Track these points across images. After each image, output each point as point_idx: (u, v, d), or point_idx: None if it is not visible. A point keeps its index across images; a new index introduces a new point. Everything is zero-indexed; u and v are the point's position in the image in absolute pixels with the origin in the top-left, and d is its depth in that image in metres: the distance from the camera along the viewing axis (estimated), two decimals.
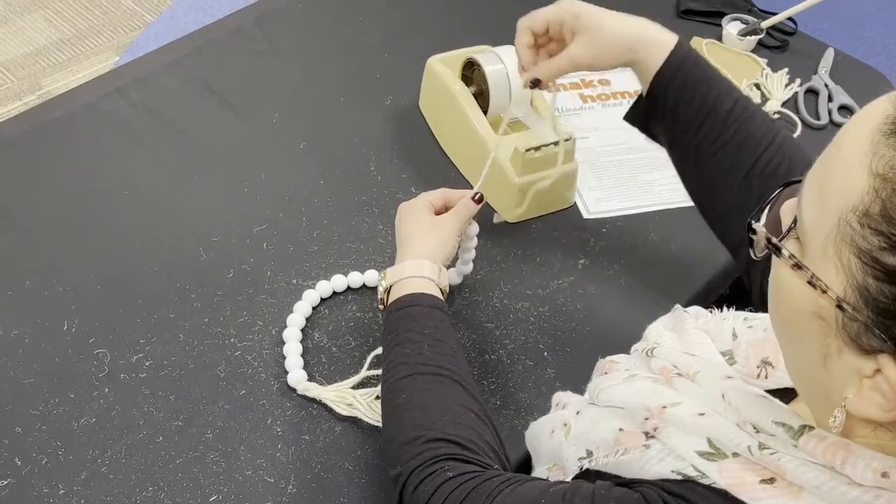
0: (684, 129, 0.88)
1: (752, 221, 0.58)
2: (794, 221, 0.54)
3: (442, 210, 0.96)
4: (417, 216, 0.94)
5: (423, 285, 0.88)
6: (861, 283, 0.48)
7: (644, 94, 0.90)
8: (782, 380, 0.66)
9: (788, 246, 0.53)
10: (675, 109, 0.88)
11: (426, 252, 0.91)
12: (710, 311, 0.77)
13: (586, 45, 0.89)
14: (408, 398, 0.79)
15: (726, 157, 0.86)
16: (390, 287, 0.89)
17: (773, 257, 0.55)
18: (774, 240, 0.54)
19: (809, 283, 0.51)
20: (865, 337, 0.49)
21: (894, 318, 0.47)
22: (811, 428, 0.55)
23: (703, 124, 0.87)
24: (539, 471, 0.76)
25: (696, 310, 0.78)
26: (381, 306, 0.91)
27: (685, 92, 0.87)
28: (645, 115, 0.92)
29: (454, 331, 0.87)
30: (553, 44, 0.95)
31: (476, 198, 0.96)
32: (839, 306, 0.49)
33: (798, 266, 0.52)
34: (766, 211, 0.59)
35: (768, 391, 0.63)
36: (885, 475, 0.51)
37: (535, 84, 0.94)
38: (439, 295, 0.89)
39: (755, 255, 0.58)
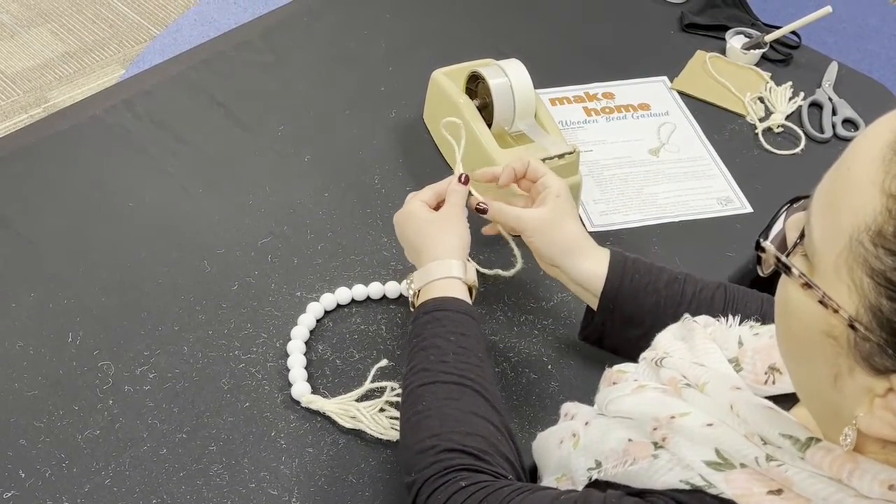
0: (645, 328, 0.88)
1: (761, 239, 0.57)
2: (801, 236, 0.53)
3: (437, 206, 0.96)
4: (419, 217, 0.93)
5: (450, 286, 0.87)
6: (874, 304, 0.47)
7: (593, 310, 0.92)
8: (790, 386, 0.66)
9: (796, 262, 0.53)
10: (630, 319, 0.89)
11: (446, 250, 0.90)
12: (718, 320, 0.77)
13: (536, 220, 0.93)
14: (427, 406, 0.78)
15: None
16: (418, 291, 0.89)
17: (782, 275, 0.54)
18: (784, 258, 0.54)
19: (820, 302, 0.50)
20: (878, 357, 0.48)
21: None
22: (818, 440, 0.55)
23: (662, 322, 0.86)
24: (547, 481, 0.76)
25: (704, 319, 0.78)
26: (412, 308, 0.90)
27: (632, 310, 0.88)
28: (599, 332, 0.93)
29: (483, 338, 0.86)
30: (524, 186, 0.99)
31: (462, 179, 0.96)
32: (851, 326, 0.49)
33: (808, 285, 0.51)
34: (773, 228, 0.58)
35: (776, 397, 0.63)
36: (892, 488, 0.51)
37: (482, 212, 0.96)
38: (467, 295, 0.88)
39: (762, 273, 0.58)
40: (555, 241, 0.92)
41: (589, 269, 0.90)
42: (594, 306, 0.91)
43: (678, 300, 0.87)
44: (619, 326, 0.90)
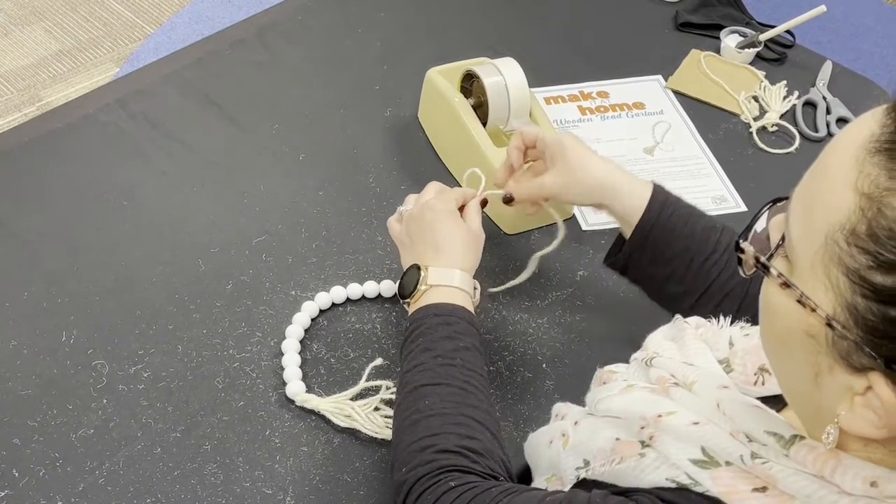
0: (671, 270, 0.90)
1: (741, 240, 0.58)
2: (783, 238, 0.54)
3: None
4: (458, 222, 0.93)
5: (462, 298, 0.88)
6: (850, 302, 0.48)
7: (626, 239, 0.93)
8: (779, 387, 0.67)
9: (777, 264, 0.54)
10: (659, 258, 0.90)
11: (469, 266, 0.91)
12: (709, 321, 0.77)
13: (558, 177, 0.94)
14: (430, 405, 0.78)
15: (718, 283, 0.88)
16: (428, 287, 0.88)
17: (765, 276, 0.55)
18: (763, 258, 0.55)
19: (799, 301, 0.51)
20: (856, 355, 0.49)
21: (883, 336, 0.47)
22: (802, 438, 0.56)
23: (688, 268, 0.89)
24: (538, 481, 0.76)
25: (695, 320, 0.78)
26: (407, 301, 0.90)
27: (663, 248, 0.90)
28: (625, 262, 0.94)
29: (484, 352, 0.87)
30: (539, 161, 1.00)
31: (482, 201, 0.98)
32: (829, 325, 0.49)
33: (787, 285, 0.52)
34: (752, 229, 0.59)
35: (766, 398, 0.64)
36: (873, 484, 0.52)
37: (509, 200, 0.99)
38: (473, 312, 0.89)
39: (744, 274, 0.59)
40: (583, 188, 0.93)
41: (627, 207, 0.90)
42: (628, 235, 0.92)
43: (711, 248, 0.88)
44: (646, 262, 0.91)
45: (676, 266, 0.89)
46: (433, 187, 0.97)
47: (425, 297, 0.87)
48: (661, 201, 0.90)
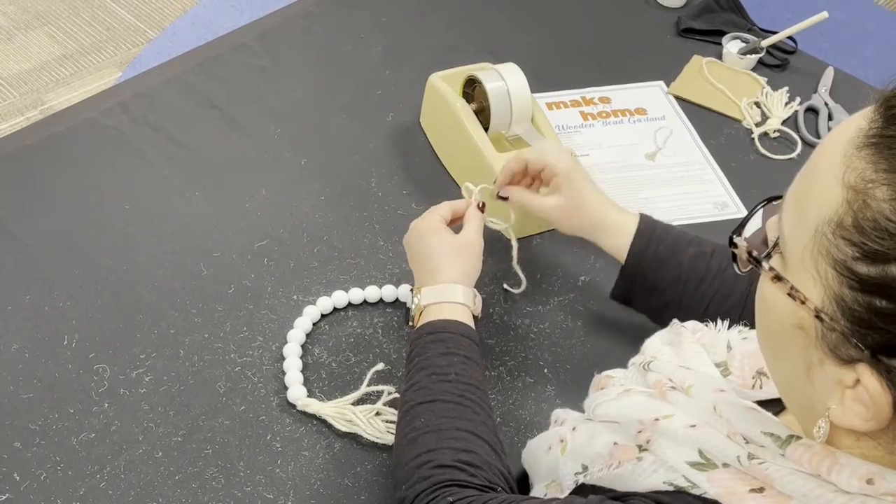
0: (666, 299, 0.93)
1: (734, 236, 0.59)
2: (778, 237, 0.55)
3: (450, 223, 0.97)
4: (441, 236, 0.93)
5: (459, 312, 0.88)
6: (837, 294, 0.49)
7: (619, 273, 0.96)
8: (776, 390, 0.67)
9: (774, 261, 0.55)
10: (652, 289, 0.93)
11: (461, 276, 0.91)
12: (706, 325, 0.78)
13: (556, 207, 0.97)
14: (426, 423, 0.79)
15: (714, 303, 0.90)
16: (423, 307, 0.90)
17: (761, 273, 0.56)
18: (755, 253, 0.56)
19: (789, 294, 0.52)
20: (844, 347, 0.50)
21: (869, 326, 0.48)
22: (798, 437, 0.56)
23: (682, 295, 0.91)
24: (537, 488, 0.76)
25: (693, 324, 0.78)
26: (409, 323, 0.91)
27: (654, 281, 0.92)
28: (625, 296, 0.98)
29: (482, 362, 0.87)
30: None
31: (480, 205, 0.98)
32: (818, 317, 0.50)
33: (778, 278, 0.53)
34: (746, 226, 0.60)
35: (763, 402, 0.64)
36: (869, 482, 0.52)
37: (504, 198, 1.01)
38: (472, 322, 0.89)
39: (739, 270, 0.60)
40: (577, 224, 0.96)
41: (615, 245, 0.94)
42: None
43: (701, 275, 0.90)
44: (642, 293, 0.94)
45: (670, 296, 0.91)
46: (428, 211, 0.98)
47: (422, 318, 0.89)
48: (647, 236, 0.92)
